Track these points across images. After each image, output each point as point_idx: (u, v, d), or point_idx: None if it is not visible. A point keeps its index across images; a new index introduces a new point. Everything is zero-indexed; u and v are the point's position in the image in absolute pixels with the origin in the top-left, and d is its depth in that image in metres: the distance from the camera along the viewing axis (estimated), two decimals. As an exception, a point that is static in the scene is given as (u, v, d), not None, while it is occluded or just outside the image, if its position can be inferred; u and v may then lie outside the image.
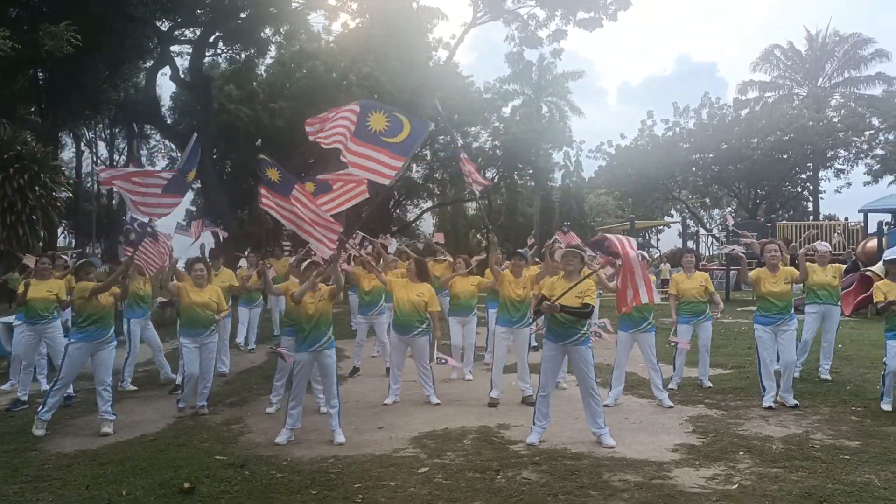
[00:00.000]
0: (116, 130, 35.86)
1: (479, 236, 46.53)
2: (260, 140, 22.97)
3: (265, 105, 21.96)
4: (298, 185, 6.19)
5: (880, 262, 15.81)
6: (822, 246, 8.90)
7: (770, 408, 7.10)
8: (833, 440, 6.03)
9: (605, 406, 7.41)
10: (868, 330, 13.03)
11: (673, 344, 8.25)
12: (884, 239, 17.40)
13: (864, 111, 33.33)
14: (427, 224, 48.94)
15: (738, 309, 17.70)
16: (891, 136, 32.96)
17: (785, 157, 33.10)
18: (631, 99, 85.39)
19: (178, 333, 7.57)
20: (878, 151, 33.84)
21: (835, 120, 33.29)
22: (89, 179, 36.41)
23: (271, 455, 5.83)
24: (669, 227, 45.06)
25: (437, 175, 36.01)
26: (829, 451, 5.67)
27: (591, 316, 6.24)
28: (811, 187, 37.59)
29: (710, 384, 8.34)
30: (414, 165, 36.23)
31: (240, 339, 11.49)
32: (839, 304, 8.73)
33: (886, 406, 6.95)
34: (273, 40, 18.34)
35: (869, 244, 18.45)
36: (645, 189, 36.69)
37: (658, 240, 50.55)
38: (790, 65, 39.74)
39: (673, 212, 45.39)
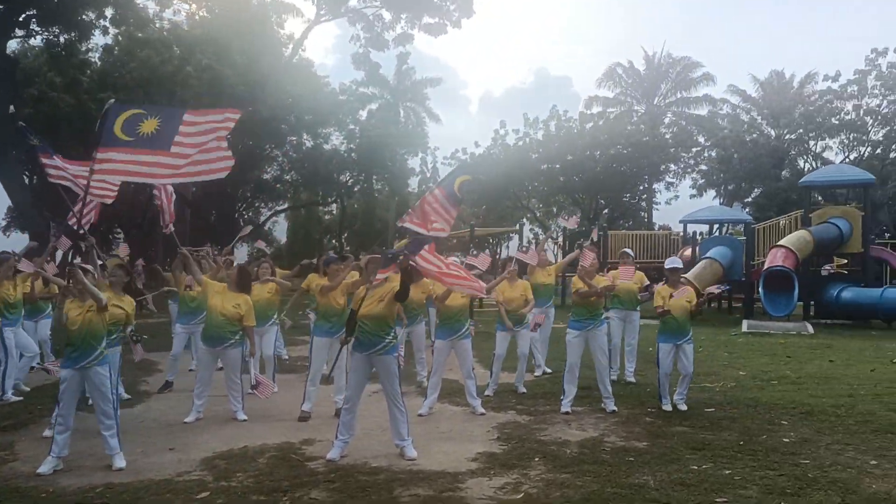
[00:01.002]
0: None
1: (334, 241, 45.83)
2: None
3: (94, 95, 20.30)
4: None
5: (694, 268, 17.25)
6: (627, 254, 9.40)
7: (567, 413, 7.33)
8: (625, 442, 6.28)
9: (419, 415, 7.40)
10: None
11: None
12: (697, 247, 18.93)
13: (692, 129, 36.26)
14: (281, 228, 47.60)
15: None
16: (713, 154, 36.10)
17: (623, 169, 35.25)
18: (492, 108, 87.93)
19: None
20: (703, 167, 36.94)
21: (667, 136, 35.95)
22: None
23: (32, 486, 5.19)
24: (512, 236, 46.58)
25: (287, 177, 34.93)
26: (618, 454, 5.89)
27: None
28: (647, 199, 40.37)
29: (525, 390, 8.53)
30: (266, 166, 35.12)
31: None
32: (638, 309, 9.23)
33: (666, 407, 7.40)
34: (98, 24, 16.90)
35: (685, 252, 20.00)
36: (497, 197, 37.73)
37: (507, 248, 51.99)
38: (631, 83, 42.56)
39: (525, 220, 47.14)
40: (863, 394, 8.02)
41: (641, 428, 6.76)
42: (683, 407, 7.41)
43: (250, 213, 41.66)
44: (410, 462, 5.77)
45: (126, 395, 8.40)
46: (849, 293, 16.98)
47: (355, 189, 39.11)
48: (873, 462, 5.48)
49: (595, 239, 8.29)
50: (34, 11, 15.76)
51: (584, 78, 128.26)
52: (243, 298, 7.41)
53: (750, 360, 10.82)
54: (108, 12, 16.53)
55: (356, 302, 6.01)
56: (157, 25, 18.60)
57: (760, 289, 15.81)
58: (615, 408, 7.46)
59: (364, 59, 15.90)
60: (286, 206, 40.94)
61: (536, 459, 5.78)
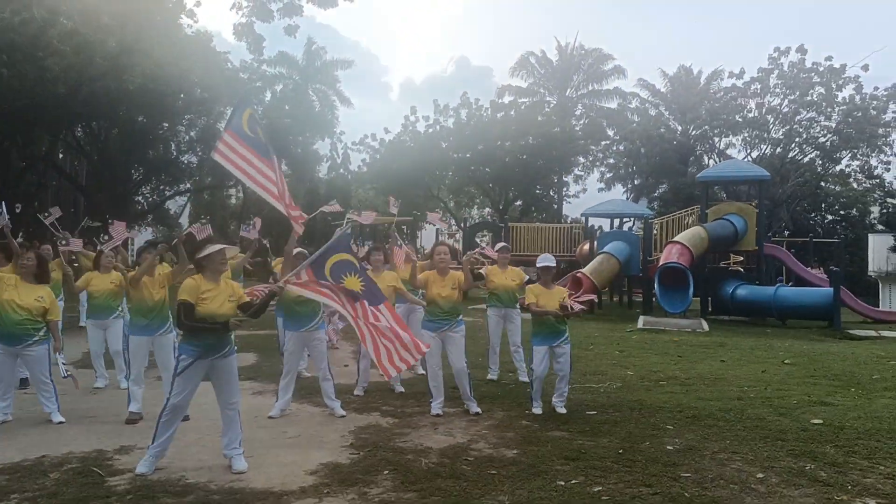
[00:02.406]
0: None
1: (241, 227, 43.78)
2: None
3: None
4: None
5: (591, 263, 16.95)
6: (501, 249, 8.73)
7: (438, 415, 6.57)
8: (492, 450, 5.55)
9: (270, 418, 6.48)
10: (574, 328, 13.52)
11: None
12: (595, 241, 18.70)
13: (602, 122, 36.48)
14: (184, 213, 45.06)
15: (471, 307, 17.86)
16: (622, 147, 36.47)
17: (533, 160, 35.08)
18: (412, 96, 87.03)
19: None
20: (611, 161, 37.28)
21: (577, 129, 36.03)
22: None
23: None
24: (423, 225, 45.79)
25: (183, 158, 32.82)
26: (480, 466, 5.14)
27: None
28: (558, 191, 40.46)
29: (402, 389, 7.72)
30: (161, 145, 32.88)
31: None
32: (518, 307, 8.56)
33: (537, 410, 6.75)
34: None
35: (585, 247, 19.77)
36: (407, 185, 36.87)
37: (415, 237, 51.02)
38: (543, 73, 42.39)
39: (438, 209, 46.50)
40: (752, 397, 7.58)
41: (515, 433, 6.05)
42: (562, 410, 6.74)
43: (154, 196, 39.22)
44: (237, 476, 4.87)
45: None
46: (743, 290, 17.07)
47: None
48: (759, 475, 4.94)
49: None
50: None
51: (504, 68, 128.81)
52: (45, 290, 6.40)
53: (640, 358, 10.35)
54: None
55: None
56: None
57: (656, 285, 15.62)
58: (478, 410, 6.75)
59: (248, 31, 14.57)
60: (186, 188, 38.58)
61: (385, 473, 4.96)
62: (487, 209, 45.38)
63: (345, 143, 41.79)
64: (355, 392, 7.51)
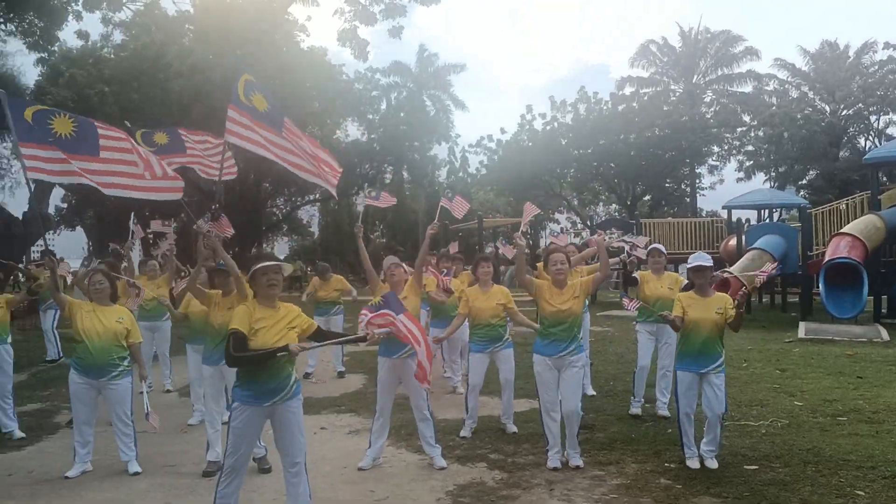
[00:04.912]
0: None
1: (370, 236, 44.39)
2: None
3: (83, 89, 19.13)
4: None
5: (740, 261, 14.90)
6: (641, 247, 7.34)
7: (555, 469, 5.39)
8: (625, 524, 4.33)
9: (359, 469, 5.58)
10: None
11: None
12: (743, 236, 16.56)
13: (736, 108, 33.55)
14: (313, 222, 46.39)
15: (599, 314, 16.38)
16: (760, 133, 33.32)
17: (661, 153, 32.77)
18: (528, 96, 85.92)
19: None
20: (749, 148, 34.17)
21: (708, 116, 33.31)
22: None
23: None
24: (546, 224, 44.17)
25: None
26: (610, 552, 3.95)
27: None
28: (690, 184, 37.69)
29: (516, 428, 6.57)
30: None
31: None
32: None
33: (692, 462, 5.34)
34: (70, 8, 15.57)
35: (730, 243, 17.64)
36: (526, 185, 35.65)
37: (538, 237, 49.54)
38: (666, 61, 39.81)
39: (562, 209, 44.85)
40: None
41: (652, 498, 4.77)
42: (713, 464, 5.33)
43: (287, 208, 40.64)
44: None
45: (20, 434, 6.85)
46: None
47: (386, 179, 37.63)
48: None
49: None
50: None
51: (620, 64, 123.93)
52: (124, 311, 5.88)
53: (808, 380, 8.49)
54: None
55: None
56: (134, 9, 17.27)
57: (821, 285, 13.29)
58: (580, 462, 5.45)
59: (351, 36, 14.15)
60: (312, 198, 39.42)
61: (485, 562, 3.89)
62: (614, 206, 43.23)
63: (462, 146, 41.43)
64: (461, 433, 6.46)
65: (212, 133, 7.03)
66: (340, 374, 9.88)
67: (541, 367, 5.45)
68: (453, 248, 9.64)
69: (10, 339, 7.09)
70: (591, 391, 8.04)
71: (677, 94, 37.49)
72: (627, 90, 37.52)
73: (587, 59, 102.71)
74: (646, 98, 34.38)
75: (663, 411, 6.96)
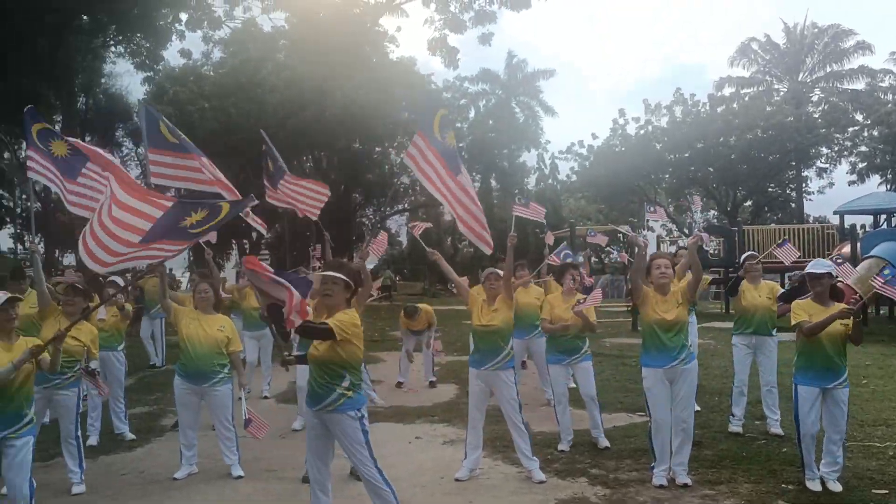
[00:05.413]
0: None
1: (458, 245, 44.63)
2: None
3: (198, 105, 20.22)
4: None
5: (854, 271, 13.90)
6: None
7: (662, 486, 5.12)
8: (741, 550, 4.05)
9: (457, 480, 5.50)
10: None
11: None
12: (858, 244, 15.47)
13: (847, 106, 31.51)
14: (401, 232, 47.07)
15: (700, 325, 15.65)
16: (875, 133, 31.16)
17: (764, 155, 31.23)
18: (619, 100, 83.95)
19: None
20: (863, 149, 32.04)
21: (816, 116, 31.50)
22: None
23: None
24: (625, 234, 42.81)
25: (395, 180, 33.95)
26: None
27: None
28: (796, 188, 35.69)
29: (608, 443, 6.33)
30: (377, 168, 34.38)
31: None
32: (775, 333, 6.70)
33: (813, 484, 4.98)
34: (174, 28, 16.51)
35: (844, 250, 16.51)
36: (618, 191, 34.83)
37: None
38: (769, 59, 37.88)
39: (653, 213, 43.41)
40: None
41: (769, 523, 4.46)
42: (836, 487, 4.93)
43: (377, 218, 41.50)
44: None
45: (131, 436, 7.19)
46: None
47: (475, 187, 37.69)
48: None
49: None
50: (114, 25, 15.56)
51: (718, 64, 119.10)
52: (226, 320, 6.02)
53: (938, 397, 7.85)
54: (183, 16, 16.08)
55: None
56: (232, 26, 18.12)
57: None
58: (688, 480, 5.15)
59: (441, 44, 14.28)
60: (401, 207, 40.04)
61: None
62: (713, 211, 41.53)
63: (552, 152, 40.94)
64: (559, 447, 6.26)
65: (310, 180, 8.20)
66: (432, 384, 9.86)
67: (651, 381, 5.23)
68: (549, 238, 10.12)
69: (121, 347, 7.36)
70: (696, 406, 7.66)
71: (781, 93, 35.62)
72: (727, 91, 36.04)
73: (682, 59, 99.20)
74: (747, 98, 32.89)
75: (776, 429, 6.53)
